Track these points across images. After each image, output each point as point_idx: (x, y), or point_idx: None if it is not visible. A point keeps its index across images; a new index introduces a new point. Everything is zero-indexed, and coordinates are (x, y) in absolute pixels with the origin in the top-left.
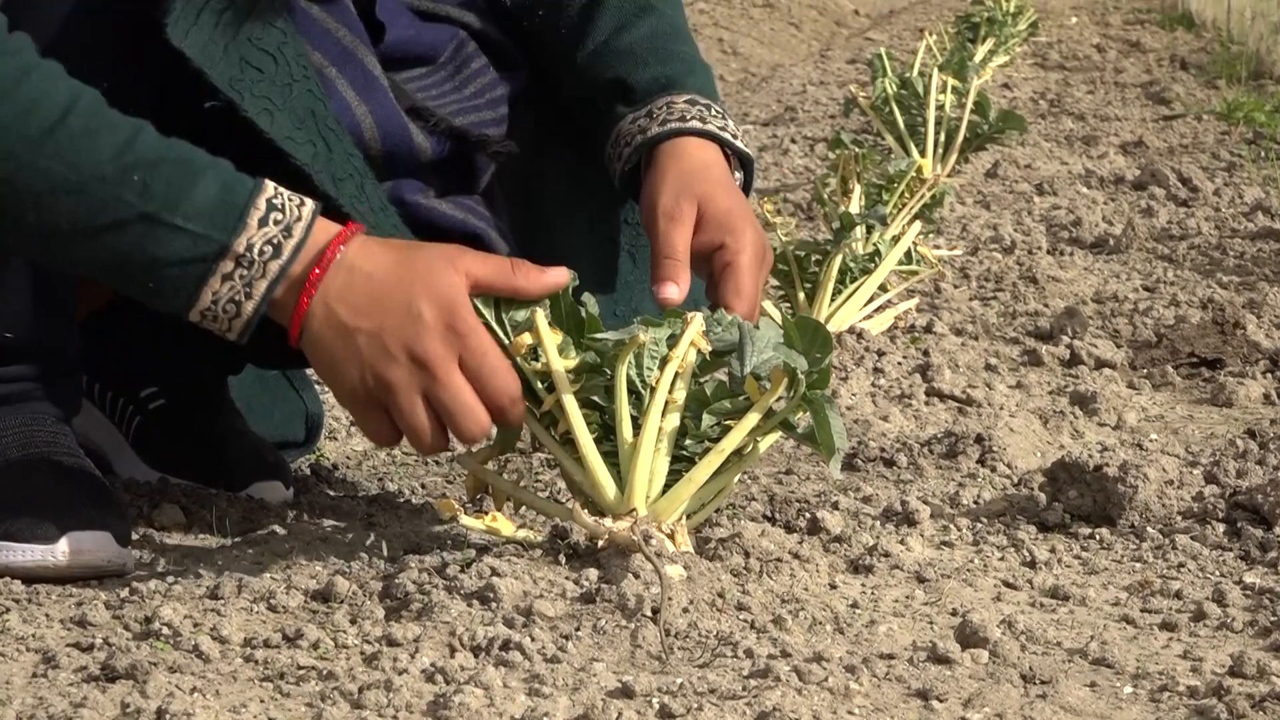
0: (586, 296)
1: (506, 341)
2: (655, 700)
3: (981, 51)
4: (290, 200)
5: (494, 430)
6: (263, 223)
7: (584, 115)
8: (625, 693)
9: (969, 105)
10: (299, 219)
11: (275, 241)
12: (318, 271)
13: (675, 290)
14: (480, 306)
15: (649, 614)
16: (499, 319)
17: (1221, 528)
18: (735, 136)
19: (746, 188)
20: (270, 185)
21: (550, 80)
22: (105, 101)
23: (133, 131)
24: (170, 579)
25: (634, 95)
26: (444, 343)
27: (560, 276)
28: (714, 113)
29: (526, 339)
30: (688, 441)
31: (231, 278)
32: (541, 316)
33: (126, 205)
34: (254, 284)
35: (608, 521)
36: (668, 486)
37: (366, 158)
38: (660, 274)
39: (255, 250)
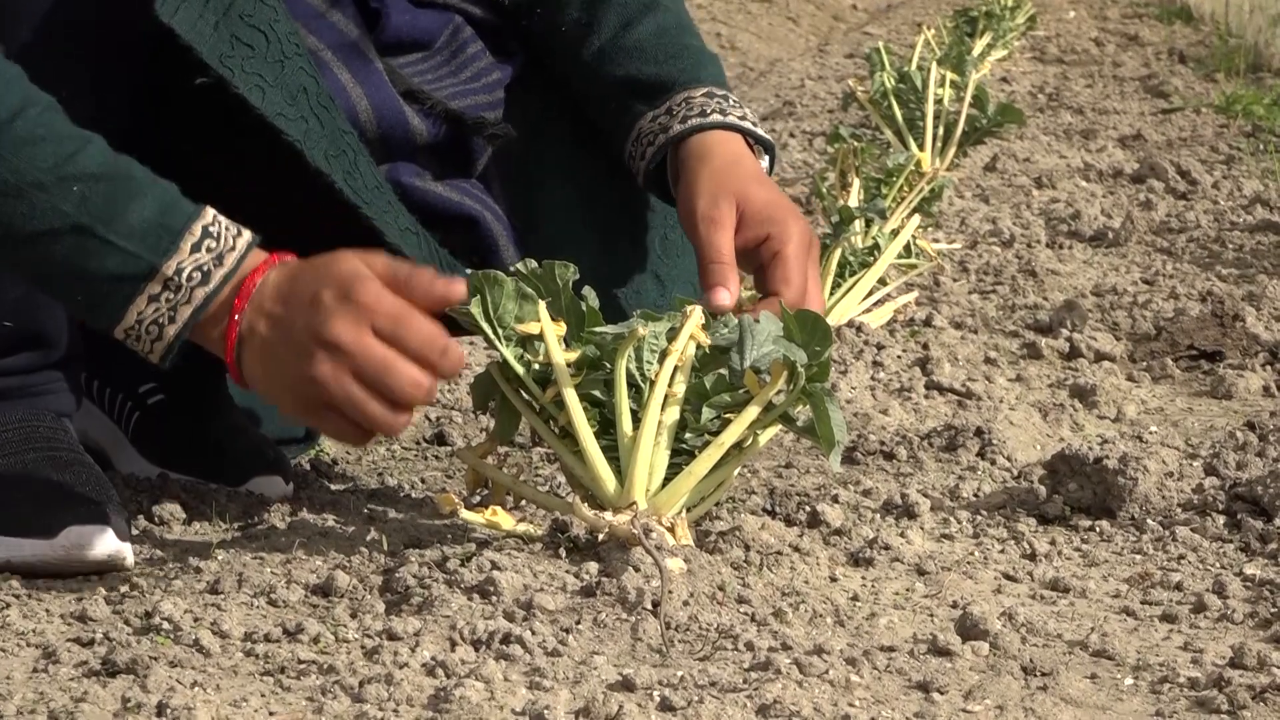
0: (586, 290)
1: (499, 341)
2: (656, 693)
3: (980, 45)
4: (227, 230)
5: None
6: (195, 248)
7: (598, 113)
8: (626, 686)
9: (967, 99)
10: (232, 249)
11: (205, 268)
12: (240, 298)
13: (726, 295)
14: (472, 309)
15: (649, 607)
16: (488, 317)
17: (1221, 519)
18: (755, 124)
19: (770, 170)
20: (210, 213)
21: (554, 74)
22: (60, 111)
23: (79, 144)
24: (170, 574)
25: (650, 92)
26: (348, 319)
27: (453, 290)
28: (732, 103)
29: (529, 328)
30: (687, 435)
31: (158, 300)
32: (544, 308)
33: (61, 215)
34: (178, 309)
35: (608, 515)
36: (668, 480)
37: (363, 140)
38: (709, 280)
39: (184, 275)
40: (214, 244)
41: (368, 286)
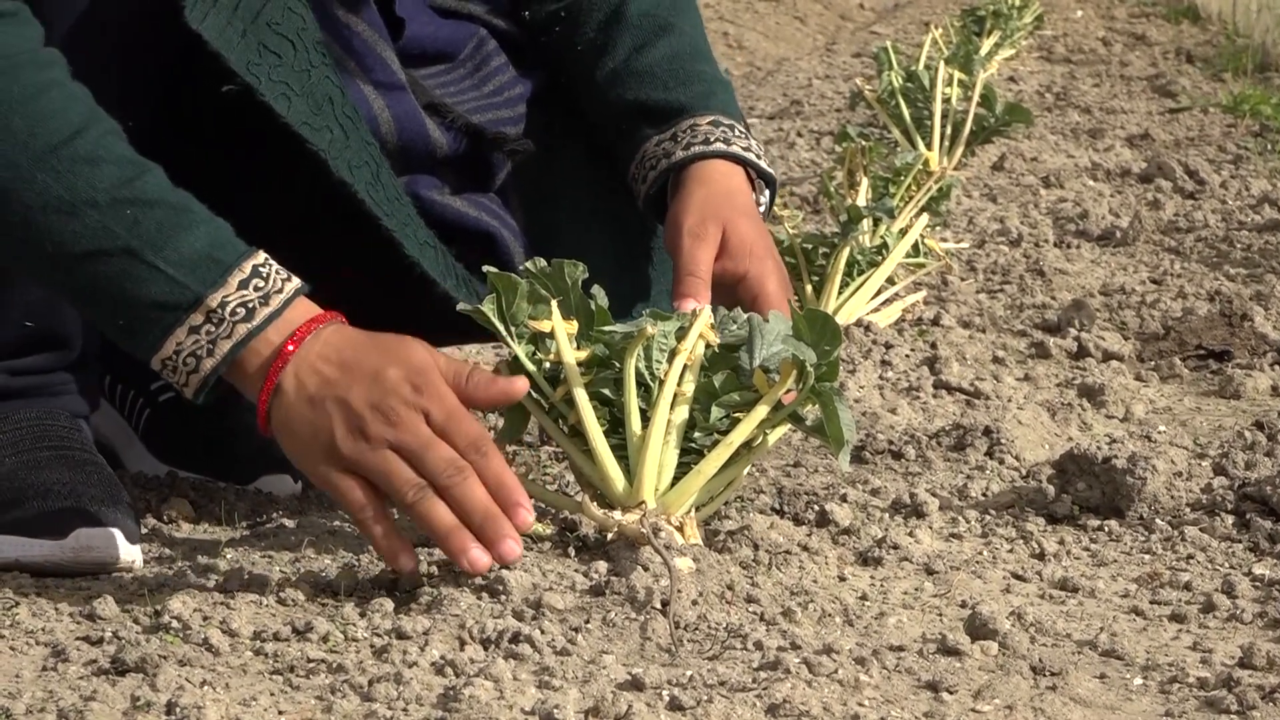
0: (596, 289)
1: (511, 339)
2: (665, 692)
3: (987, 45)
4: (278, 273)
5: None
6: (243, 285)
7: (606, 134)
8: (635, 685)
9: (975, 98)
10: (279, 290)
11: (250, 305)
12: (291, 347)
13: (695, 305)
14: (485, 307)
15: (658, 606)
16: (501, 316)
17: (1230, 519)
18: (759, 156)
19: (770, 204)
20: (262, 255)
21: (569, 89)
22: (123, 136)
23: (138, 170)
24: (179, 572)
25: (657, 117)
26: (409, 400)
27: (512, 388)
28: (737, 133)
29: (541, 325)
30: (696, 434)
31: (198, 332)
32: (556, 307)
33: (112, 236)
34: (218, 343)
35: (617, 514)
36: (676, 479)
37: (383, 151)
38: (681, 290)
39: (228, 310)
40: (262, 284)
41: (434, 380)
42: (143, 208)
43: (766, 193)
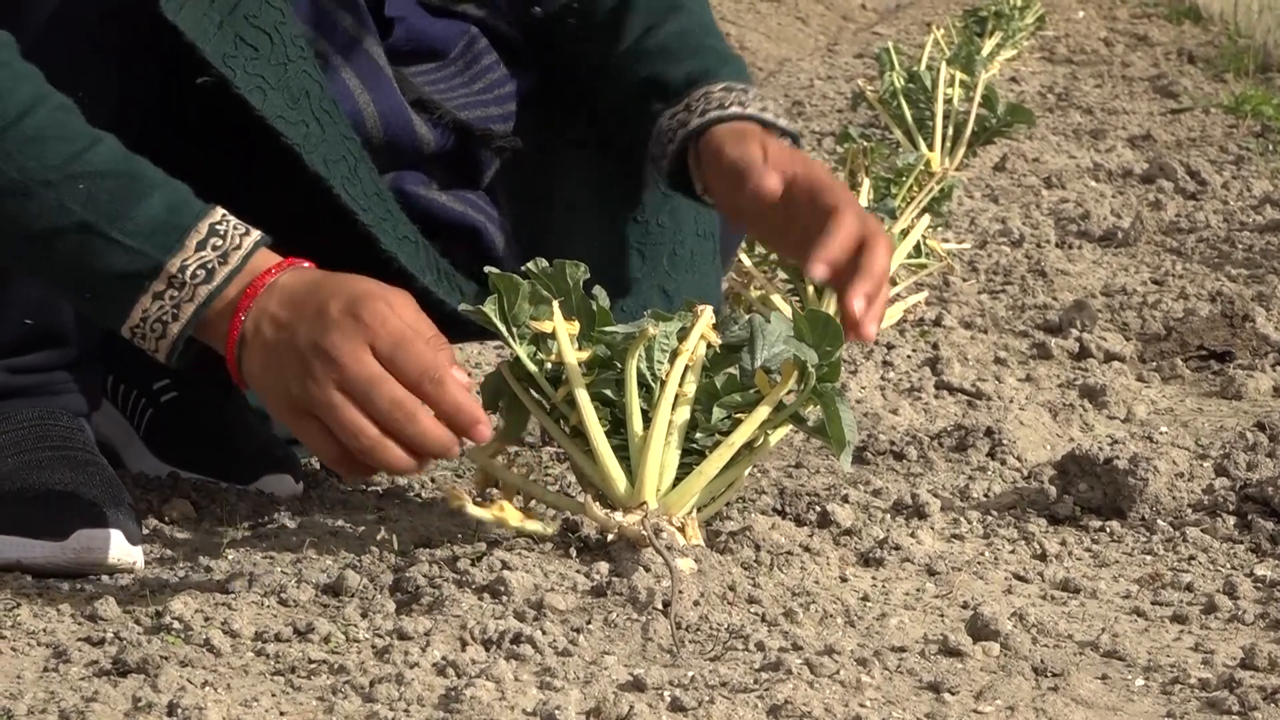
0: (597, 290)
1: (513, 340)
2: (666, 693)
3: (989, 45)
4: (235, 229)
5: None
6: (200, 246)
7: (620, 118)
8: (637, 686)
9: (977, 99)
10: (238, 247)
11: (209, 266)
12: (247, 297)
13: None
14: (487, 308)
15: (660, 607)
16: (503, 316)
17: (1232, 520)
18: (777, 116)
19: None
20: (219, 212)
21: (577, 86)
22: (74, 111)
23: (88, 142)
24: (181, 573)
25: (669, 91)
26: (347, 332)
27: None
28: (751, 96)
29: (543, 325)
30: (698, 435)
31: (161, 298)
32: (558, 307)
33: (68, 212)
34: (181, 306)
35: (618, 515)
36: (678, 480)
37: (368, 147)
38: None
39: (188, 273)
40: (220, 242)
41: (375, 306)
42: (95, 180)
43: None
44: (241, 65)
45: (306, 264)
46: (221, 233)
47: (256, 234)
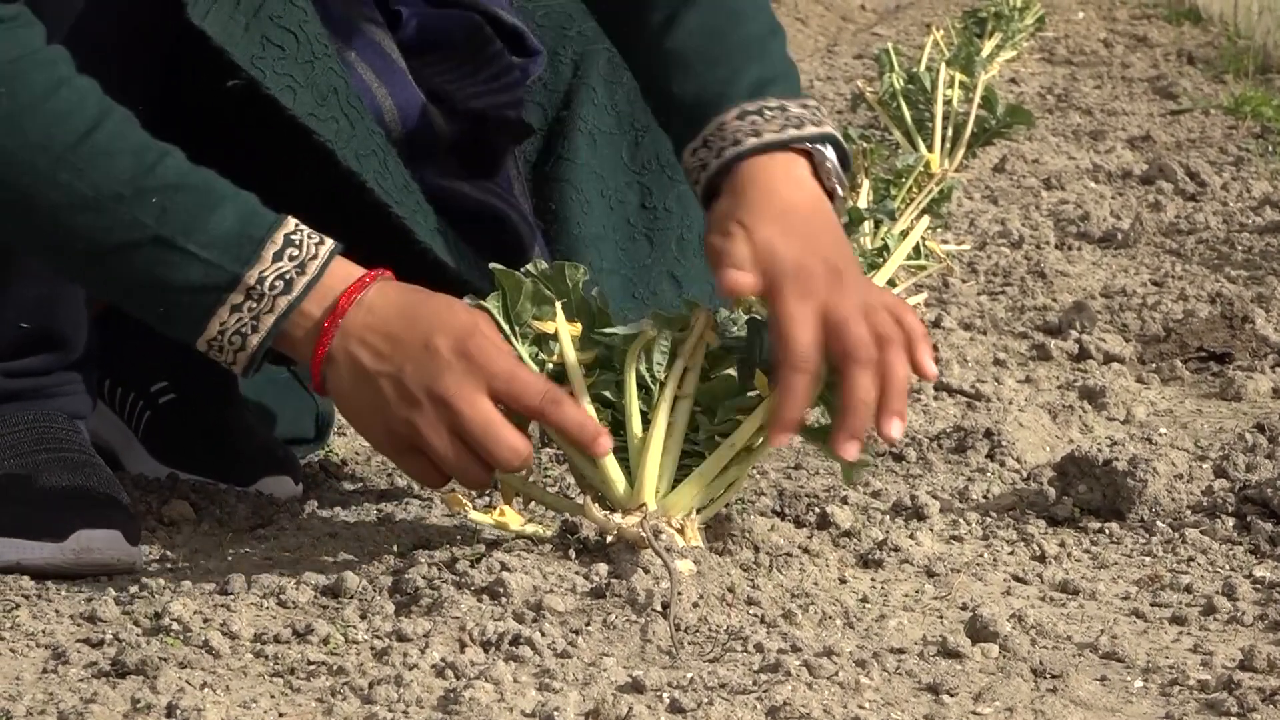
0: (596, 291)
1: (515, 339)
2: (665, 695)
3: (988, 46)
4: (309, 238)
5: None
6: (277, 257)
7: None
8: (636, 687)
9: (976, 100)
10: (314, 256)
11: (287, 276)
12: (332, 318)
13: (740, 278)
14: (490, 305)
15: (659, 609)
16: (506, 315)
17: (1231, 521)
18: (800, 125)
19: (844, 162)
20: (292, 221)
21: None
22: (136, 122)
23: (157, 155)
24: (180, 574)
25: (685, 118)
26: (462, 375)
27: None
28: (768, 116)
29: (546, 326)
30: (699, 436)
31: (240, 309)
32: (560, 309)
33: (141, 227)
34: (261, 318)
35: (617, 516)
36: (677, 481)
37: (388, 140)
38: (722, 282)
39: (266, 284)
40: (296, 252)
41: (481, 344)
42: (167, 193)
43: (829, 150)
44: (270, 66)
45: (387, 274)
46: (297, 242)
47: (330, 242)
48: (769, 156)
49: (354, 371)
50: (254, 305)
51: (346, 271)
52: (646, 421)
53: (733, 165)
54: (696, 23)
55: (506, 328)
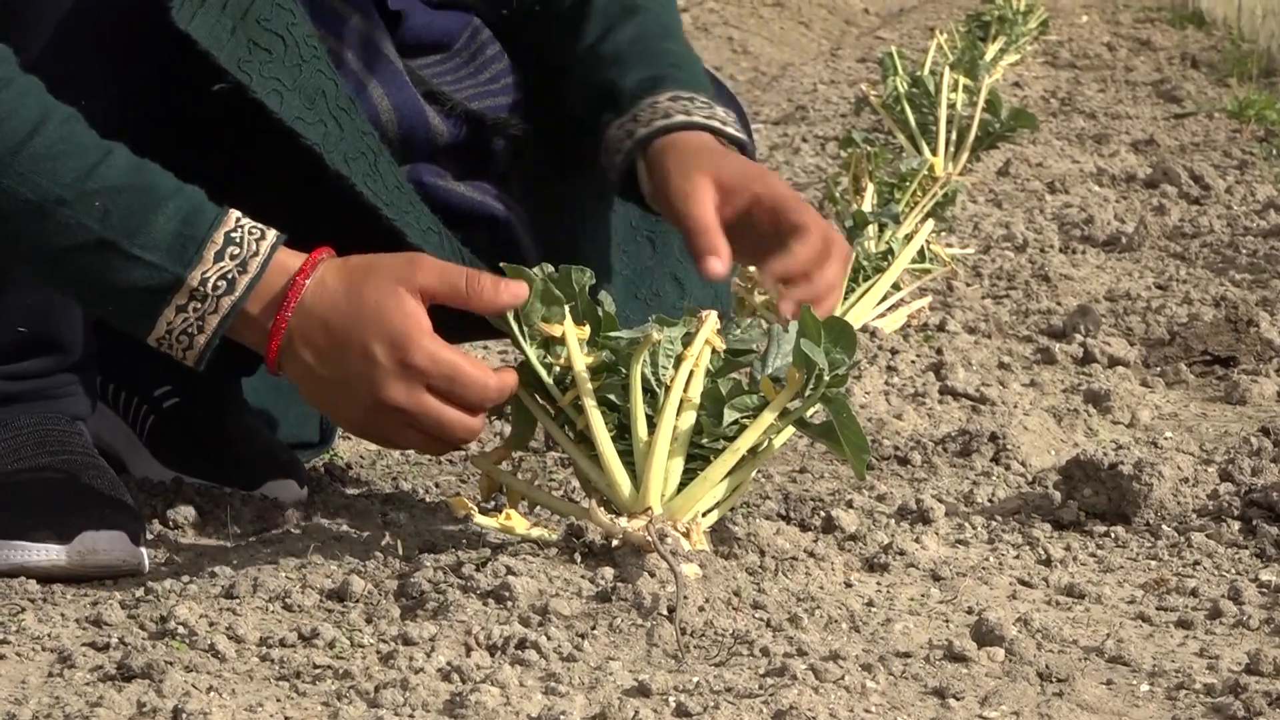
0: (603, 295)
1: (522, 338)
2: (671, 699)
3: (992, 50)
4: (250, 234)
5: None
6: (219, 256)
7: (580, 124)
8: (641, 691)
9: (980, 103)
10: (255, 254)
11: (229, 276)
12: (277, 322)
13: (718, 263)
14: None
15: (665, 612)
16: (516, 316)
17: (1237, 525)
18: (724, 123)
19: None
20: (233, 217)
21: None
22: (80, 122)
23: (100, 155)
24: (185, 578)
25: (619, 102)
26: (404, 382)
27: (517, 292)
28: (698, 104)
29: (553, 330)
30: (704, 440)
31: (185, 310)
32: (568, 313)
33: (86, 230)
34: (206, 318)
35: (623, 520)
36: (683, 485)
37: (384, 141)
38: (698, 249)
39: (209, 285)
40: (237, 250)
41: (420, 350)
42: (110, 195)
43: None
44: (256, 69)
45: (325, 254)
46: (238, 240)
47: (272, 234)
48: (701, 133)
49: (306, 373)
50: (199, 305)
51: (288, 264)
52: (652, 425)
53: (671, 131)
54: (631, 34)
55: (515, 328)
